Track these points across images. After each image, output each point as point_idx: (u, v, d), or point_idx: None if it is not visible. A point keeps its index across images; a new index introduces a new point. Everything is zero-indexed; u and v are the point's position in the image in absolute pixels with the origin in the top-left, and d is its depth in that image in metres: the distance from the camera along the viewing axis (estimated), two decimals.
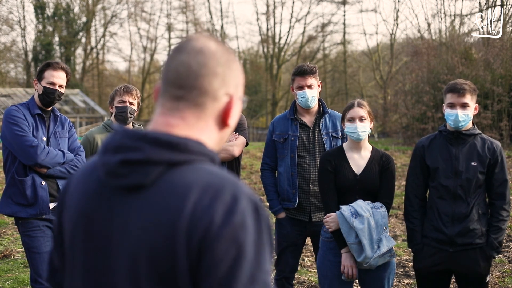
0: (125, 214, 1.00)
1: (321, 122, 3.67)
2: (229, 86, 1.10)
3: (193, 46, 1.08)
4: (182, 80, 1.07)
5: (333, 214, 3.03)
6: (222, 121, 1.11)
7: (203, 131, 1.08)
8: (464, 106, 3.02)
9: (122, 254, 0.99)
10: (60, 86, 3.48)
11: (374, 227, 2.92)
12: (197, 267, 0.93)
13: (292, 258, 3.73)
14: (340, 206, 3.00)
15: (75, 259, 1.08)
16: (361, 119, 3.03)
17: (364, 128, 3.03)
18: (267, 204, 3.88)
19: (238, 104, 1.13)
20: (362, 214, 2.91)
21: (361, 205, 2.96)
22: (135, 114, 3.74)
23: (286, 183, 3.64)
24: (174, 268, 0.94)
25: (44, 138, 3.46)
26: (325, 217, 3.09)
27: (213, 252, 0.92)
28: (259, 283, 0.94)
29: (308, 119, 3.67)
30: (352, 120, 3.04)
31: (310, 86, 3.58)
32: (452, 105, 3.04)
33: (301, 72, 3.59)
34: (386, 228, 2.98)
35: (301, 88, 3.59)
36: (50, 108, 3.56)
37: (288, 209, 3.68)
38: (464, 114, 3.02)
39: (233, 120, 1.12)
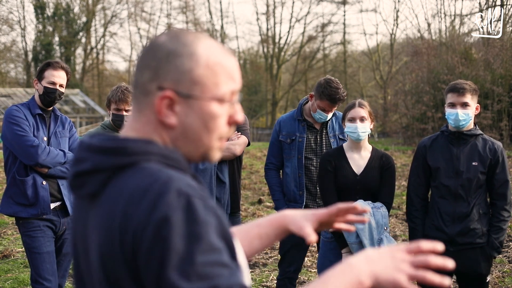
0: (89, 221, 1.04)
1: (328, 124, 3.66)
2: (164, 80, 1.02)
3: (150, 42, 1.08)
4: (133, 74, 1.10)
5: None
6: (160, 119, 1.03)
7: (149, 127, 1.04)
8: (464, 105, 3.03)
9: (92, 260, 1.02)
10: (61, 85, 3.48)
11: (374, 227, 2.92)
12: (135, 269, 0.94)
13: (296, 258, 3.71)
14: None
15: (74, 264, 1.13)
16: (362, 119, 3.03)
17: (364, 128, 3.03)
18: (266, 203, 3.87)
19: (191, 104, 1.03)
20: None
21: (362, 205, 2.96)
22: None
23: (293, 184, 3.62)
24: (117, 271, 0.95)
25: (45, 138, 3.45)
26: None
27: (142, 252, 0.91)
28: (195, 277, 0.88)
29: (315, 121, 3.65)
30: (352, 120, 3.04)
31: (332, 111, 3.55)
32: (452, 105, 3.05)
33: (333, 100, 3.44)
34: (386, 228, 2.98)
35: (324, 110, 3.50)
36: (51, 108, 3.56)
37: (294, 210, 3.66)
38: (464, 114, 3.02)
39: (176, 119, 1.02)
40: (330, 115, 3.56)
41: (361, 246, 2.92)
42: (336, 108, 3.57)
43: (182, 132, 1.05)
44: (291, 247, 3.69)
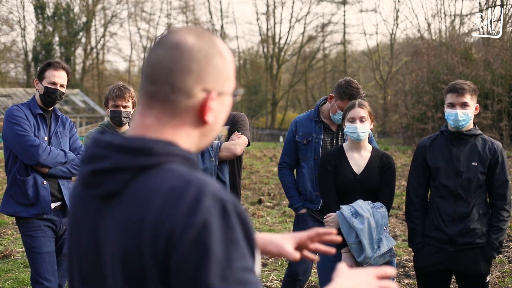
0: (103, 221, 1.01)
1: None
2: (207, 81, 1.05)
3: (170, 40, 1.05)
4: (155, 75, 1.04)
5: (333, 214, 3.03)
6: (200, 118, 1.06)
7: (178, 129, 1.05)
8: (463, 105, 3.03)
9: (106, 261, 1.00)
10: (61, 85, 3.48)
11: (374, 227, 2.92)
12: (165, 272, 0.92)
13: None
14: (340, 206, 3.00)
15: (73, 264, 1.10)
16: (362, 119, 3.03)
17: (364, 128, 3.04)
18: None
19: (223, 99, 1.09)
20: (362, 214, 2.91)
21: (361, 205, 2.96)
22: (131, 115, 3.72)
23: (309, 185, 3.62)
24: (144, 274, 0.94)
25: (46, 138, 3.45)
26: (325, 217, 3.09)
27: (178, 256, 0.90)
28: (235, 281, 0.90)
29: (331, 123, 3.65)
30: (352, 120, 3.04)
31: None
32: (452, 105, 3.06)
33: (354, 98, 3.33)
34: (386, 228, 2.99)
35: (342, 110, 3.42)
36: (51, 108, 3.56)
37: (310, 209, 3.65)
38: (463, 114, 3.03)
39: (213, 116, 1.07)
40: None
41: (360, 246, 2.92)
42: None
43: (211, 127, 1.10)
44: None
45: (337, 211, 3.01)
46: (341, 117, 3.50)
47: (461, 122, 3.04)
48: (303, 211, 3.67)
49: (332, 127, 3.64)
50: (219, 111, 1.09)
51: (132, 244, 0.95)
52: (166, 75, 1.03)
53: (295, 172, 3.84)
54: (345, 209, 2.96)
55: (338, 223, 2.97)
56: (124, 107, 3.57)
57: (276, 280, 4.90)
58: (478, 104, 3.12)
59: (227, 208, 0.94)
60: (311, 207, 3.62)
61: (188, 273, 0.90)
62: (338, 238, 1.39)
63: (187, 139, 1.07)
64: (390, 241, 2.97)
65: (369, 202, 3.01)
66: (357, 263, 2.99)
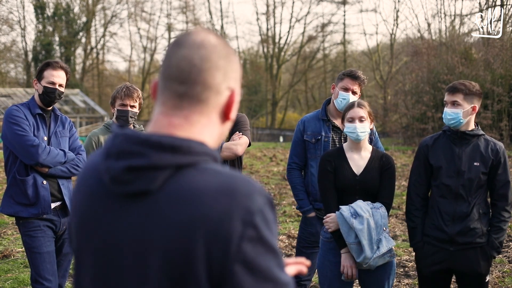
0: (130, 219, 0.99)
1: None
2: (230, 79, 1.08)
3: (194, 40, 1.06)
4: (184, 75, 1.04)
5: (332, 214, 3.03)
6: (225, 115, 1.09)
7: (205, 127, 1.06)
8: (453, 104, 3.04)
9: (130, 260, 0.98)
10: (60, 85, 3.48)
11: (373, 227, 2.92)
12: (221, 270, 0.92)
13: (312, 259, 3.67)
14: (340, 206, 3.00)
15: (83, 261, 1.07)
16: (361, 119, 3.03)
17: (363, 128, 3.04)
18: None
19: (238, 97, 1.13)
20: (361, 215, 2.91)
21: (361, 206, 2.96)
22: (137, 115, 3.72)
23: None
24: (190, 271, 0.93)
25: (45, 138, 3.45)
26: (324, 217, 3.09)
27: (241, 253, 0.92)
28: (282, 267, 0.98)
29: (339, 122, 3.65)
30: (351, 120, 3.04)
31: (355, 92, 3.57)
32: (446, 104, 3.09)
33: (354, 76, 3.55)
34: (386, 229, 2.98)
35: (346, 90, 3.55)
36: (51, 108, 3.56)
37: (319, 209, 3.65)
38: (452, 112, 3.03)
39: (234, 114, 1.11)
40: (352, 98, 3.53)
41: (359, 246, 2.92)
42: (358, 89, 3.57)
43: (229, 124, 1.13)
44: (308, 247, 3.69)
45: (336, 212, 3.00)
46: (343, 98, 3.52)
47: (450, 120, 3.05)
48: (312, 214, 3.66)
49: (340, 126, 3.65)
50: (235, 108, 1.12)
51: (178, 243, 0.93)
52: (196, 74, 1.04)
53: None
54: (344, 209, 2.96)
55: (337, 224, 2.97)
56: (132, 106, 3.58)
57: None
58: (475, 105, 3.08)
59: (271, 202, 1.00)
60: (320, 206, 3.60)
61: (255, 268, 0.93)
62: (304, 270, 1.32)
63: (210, 137, 1.08)
64: (389, 242, 2.97)
65: (369, 202, 3.01)
66: (356, 264, 2.99)
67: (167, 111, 1.05)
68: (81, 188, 1.10)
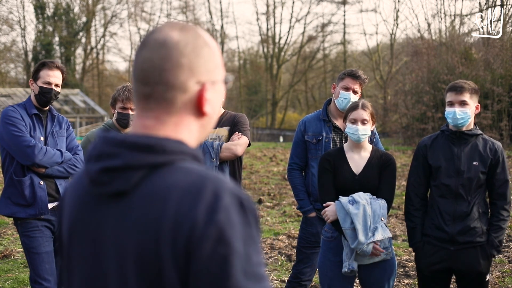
0: (111, 220, 0.99)
1: None
2: (199, 73, 1.05)
3: (155, 39, 1.04)
4: (147, 77, 1.03)
5: (331, 204, 3.03)
6: (198, 111, 1.07)
7: (179, 126, 1.05)
8: (462, 104, 3.04)
9: (111, 260, 0.98)
10: (56, 85, 3.47)
11: (370, 214, 2.92)
12: (185, 270, 0.91)
13: (312, 260, 3.68)
14: (340, 196, 3.01)
15: (72, 264, 1.08)
16: (364, 122, 3.03)
17: (365, 131, 3.04)
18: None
19: (216, 88, 1.09)
20: (358, 201, 2.92)
21: (360, 195, 2.97)
22: None
23: None
24: (161, 272, 0.93)
25: (42, 138, 3.44)
26: (324, 206, 3.08)
27: (201, 253, 0.90)
28: (253, 277, 0.92)
29: (340, 123, 3.65)
30: (354, 121, 3.04)
31: (355, 92, 3.57)
32: (451, 103, 3.07)
33: (355, 75, 3.55)
34: (384, 219, 2.97)
35: (347, 89, 3.55)
36: (47, 108, 3.55)
37: (319, 209, 3.63)
38: (462, 112, 3.03)
39: (210, 106, 1.07)
40: (353, 97, 3.53)
41: (354, 232, 2.92)
42: (359, 88, 3.57)
43: (209, 118, 1.10)
44: (309, 248, 3.68)
45: (336, 201, 3.01)
46: (344, 97, 3.52)
47: (459, 120, 3.04)
48: (312, 214, 3.66)
49: (341, 127, 3.64)
50: (214, 101, 1.09)
51: (148, 243, 0.93)
52: (158, 74, 1.03)
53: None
54: (343, 198, 2.97)
55: (335, 213, 2.98)
56: (133, 110, 3.56)
57: (276, 280, 4.90)
58: (478, 104, 3.12)
59: (244, 205, 0.95)
60: (320, 207, 3.60)
61: (212, 271, 0.90)
62: None
63: (189, 134, 1.07)
64: (386, 232, 2.96)
65: (369, 194, 3.01)
66: (351, 250, 2.98)
67: (140, 113, 1.06)
68: (71, 194, 1.11)
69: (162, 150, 0.98)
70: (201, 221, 0.91)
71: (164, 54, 1.03)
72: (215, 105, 1.10)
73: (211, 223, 0.91)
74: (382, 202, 2.99)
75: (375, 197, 3.01)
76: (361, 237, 2.88)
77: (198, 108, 1.06)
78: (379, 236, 2.92)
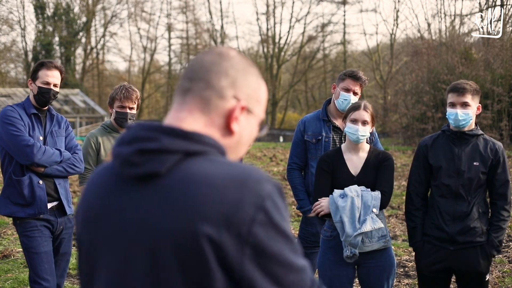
0: (139, 202, 1.01)
1: None
2: (240, 91, 1.10)
3: (215, 49, 1.13)
4: (192, 73, 1.10)
5: (325, 198, 3.03)
6: (226, 126, 1.09)
7: (208, 127, 1.08)
8: (464, 105, 3.03)
9: (139, 246, 0.99)
10: (55, 85, 3.47)
11: (358, 206, 2.91)
12: (233, 255, 0.94)
13: (312, 259, 3.66)
14: (334, 189, 3.02)
15: (98, 258, 1.06)
16: (364, 123, 3.03)
17: (365, 132, 3.04)
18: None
19: (249, 118, 1.12)
20: (348, 194, 2.92)
21: (351, 188, 2.97)
22: (135, 117, 3.70)
23: None
24: (201, 254, 0.94)
25: (41, 138, 3.44)
26: (318, 200, 3.07)
27: (255, 236, 0.95)
28: (296, 253, 1.01)
29: (340, 122, 3.64)
30: (355, 121, 3.04)
31: (356, 93, 3.55)
32: (453, 105, 3.06)
33: (355, 77, 3.53)
34: (376, 210, 2.96)
35: (347, 90, 3.53)
36: (46, 108, 3.54)
37: None
38: (464, 113, 3.03)
39: (238, 127, 1.10)
40: (353, 98, 3.53)
41: (342, 224, 2.92)
42: (359, 90, 3.56)
43: (237, 142, 1.13)
44: (309, 248, 3.68)
45: (329, 195, 3.01)
46: (345, 98, 3.51)
47: (461, 121, 3.04)
48: (312, 214, 3.66)
49: (340, 127, 3.64)
50: (244, 128, 1.12)
51: (185, 227, 0.95)
52: (203, 73, 1.09)
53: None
54: (336, 192, 2.97)
55: (327, 207, 2.99)
56: (130, 108, 3.57)
57: None
58: (480, 104, 3.12)
59: (281, 191, 1.03)
60: None
61: (268, 252, 0.96)
62: None
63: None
64: (376, 223, 2.94)
65: (364, 187, 3.00)
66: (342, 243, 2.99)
67: (176, 106, 1.11)
68: (93, 188, 1.11)
69: (198, 140, 1.02)
70: (250, 208, 0.96)
71: (216, 60, 1.10)
72: (243, 131, 1.12)
73: (260, 209, 0.96)
74: (375, 193, 2.98)
75: (369, 189, 3.00)
76: (348, 229, 2.89)
77: (226, 122, 1.09)
78: (367, 227, 2.91)
